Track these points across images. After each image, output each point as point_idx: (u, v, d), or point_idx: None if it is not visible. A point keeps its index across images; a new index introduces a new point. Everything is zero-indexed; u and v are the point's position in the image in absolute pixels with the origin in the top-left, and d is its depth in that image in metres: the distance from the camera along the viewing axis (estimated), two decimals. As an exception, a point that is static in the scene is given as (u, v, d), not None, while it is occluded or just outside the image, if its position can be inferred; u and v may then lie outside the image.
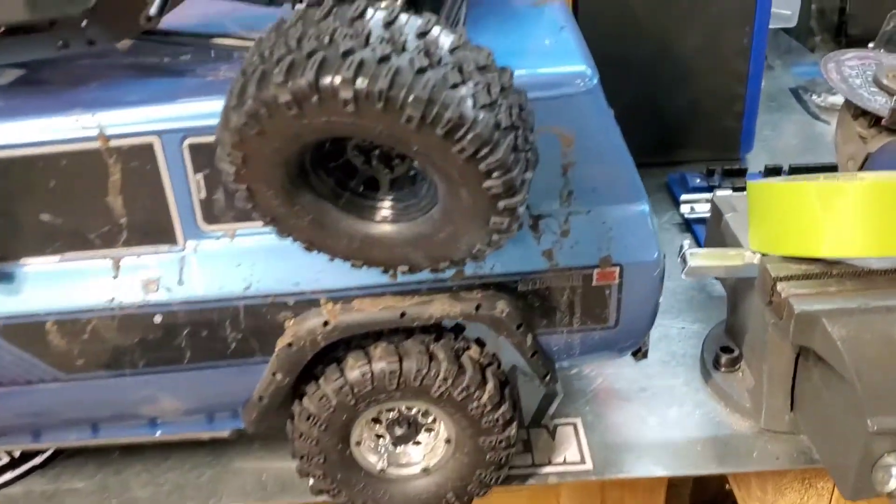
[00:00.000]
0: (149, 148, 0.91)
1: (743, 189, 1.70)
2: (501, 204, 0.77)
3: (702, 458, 1.18)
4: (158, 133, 0.90)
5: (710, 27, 1.72)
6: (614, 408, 1.27)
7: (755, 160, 1.87)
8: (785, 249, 1.07)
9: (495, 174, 0.74)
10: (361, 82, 0.68)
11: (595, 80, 0.92)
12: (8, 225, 0.94)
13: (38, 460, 1.22)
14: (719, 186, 1.73)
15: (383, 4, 0.74)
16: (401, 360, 0.99)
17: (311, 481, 1.09)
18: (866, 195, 1.00)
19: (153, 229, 0.95)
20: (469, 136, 0.71)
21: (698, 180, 1.76)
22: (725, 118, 1.83)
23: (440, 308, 0.97)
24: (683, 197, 1.68)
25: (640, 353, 1.11)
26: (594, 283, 0.99)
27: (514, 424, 1.06)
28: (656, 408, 1.26)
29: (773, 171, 1.76)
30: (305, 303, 0.98)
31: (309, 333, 0.97)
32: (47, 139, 0.90)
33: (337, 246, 0.86)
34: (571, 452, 1.20)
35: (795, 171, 1.72)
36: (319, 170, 0.82)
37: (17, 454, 1.22)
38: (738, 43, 1.73)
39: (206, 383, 1.02)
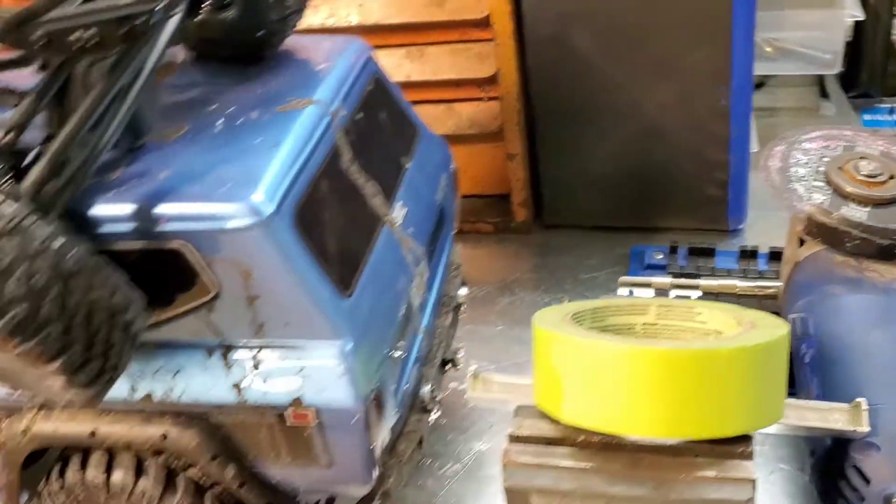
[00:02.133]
0: None
1: (696, 276, 1.49)
2: (39, 368, 0.72)
3: None
4: None
5: (682, 84, 1.51)
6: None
7: (754, 231, 1.64)
8: (537, 399, 0.92)
9: (10, 343, 0.70)
10: None
11: (269, 213, 0.84)
12: None
13: None
14: (681, 269, 1.53)
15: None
16: (108, 472, 0.97)
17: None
18: (621, 364, 0.83)
19: None
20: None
21: (660, 256, 1.57)
22: (708, 185, 1.60)
23: (128, 431, 0.94)
24: (622, 279, 1.49)
25: (382, 492, 1.01)
26: (288, 423, 0.91)
27: (243, 552, 1.00)
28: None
29: (748, 254, 1.53)
30: (15, 406, 0.98)
31: (13, 438, 0.98)
32: None
33: None
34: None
35: (775, 255, 1.48)
36: None
37: None
38: (714, 103, 1.51)
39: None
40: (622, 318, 1.03)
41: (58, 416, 0.97)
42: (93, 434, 0.95)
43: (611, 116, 1.57)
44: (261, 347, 0.90)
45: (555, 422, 0.90)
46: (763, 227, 1.63)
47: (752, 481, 0.81)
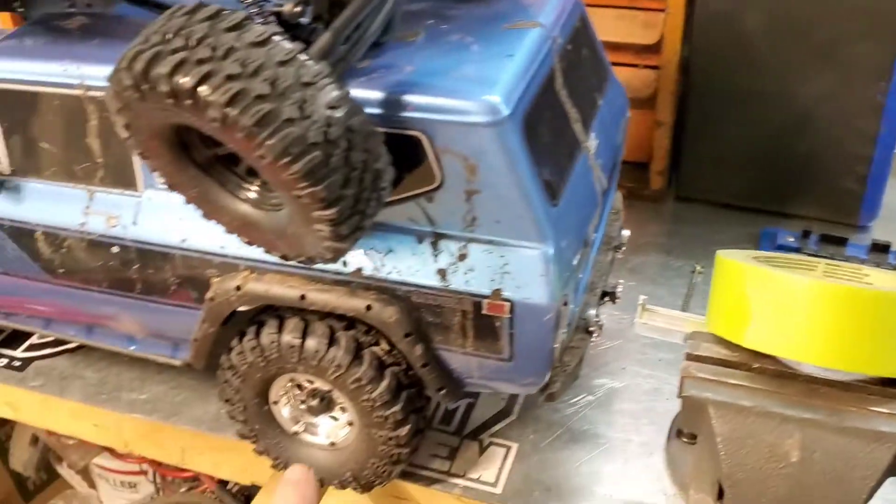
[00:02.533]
0: None
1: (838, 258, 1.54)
2: (315, 214, 0.81)
3: (612, 521, 1.14)
4: None
5: (840, 76, 1.55)
6: (559, 444, 1.25)
7: (882, 230, 1.68)
8: (716, 328, 0.99)
9: (300, 185, 0.78)
10: (176, 79, 0.76)
11: (505, 114, 0.91)
12: (22, 146, 1.13)
13: (71, 345, 1.45)
14: (815, 252, 1.58)
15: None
16: (304, 338, 1.06)
17: (237, 425, 1.21)
18: (810, 297, 0.90)
19: (121, 174, 1.10)
20: (266, 144, 0.76)
21: (791, 239, 1.62)
22: (846, 179, 1.64)
23: (335, 300, 1.03)
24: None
25: (546, 394, 1.09)
26: (483, 311, 0.99)
27: (408, 427, 1.09)
28: (598, 458, 1.22)
29: (880, 248, 1.57)
30: (228, 265, 1.08)
31: (225, 293, 1.08)
32: (46, 80, 1.07)
33: (223, 220, 0.95)
34: (490, 473, 1.21)
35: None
36: (203, 148, 0.90)
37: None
38: (870, 98, 1.55)
39: (155, 315, 1.17)
40: (794, 270, 1.09)
41: (270, 279, 1.06)
42: (302, 297, 1.04)
43: (764, 99, 1.62)
44: (469, 240, 0.98)
45: (732, 347, 0.97)
46: (893, 228, 1.66)
47: (923, 421, 0.87)
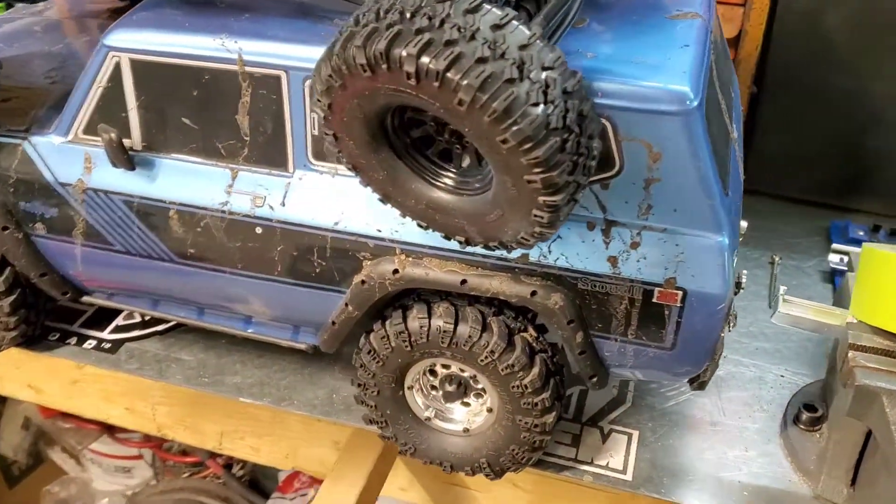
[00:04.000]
0: (277, 80, 1.02)
1: (907, 252, 1.59)
2: (541, 199, 0.81)
3: (744, 504, 1.16)
4: (287, 68, 1.01)
5: (916, 75, 1.60)
6: (677, 432, 1.27)
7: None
8: (875, 319, 1.02)
9: (535, 170, 0.78)
10: (424, 60, 0.74)
11: (694, 104, 0.92)
12: (158, 121, 1.09)
13: (161, 327, 1.42)
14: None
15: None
16: (456, 323, 1.05)
17: (365, 410, 1.19)
18: None
19: (270, 153, 1.07)
20: (514, 129, 0.75)
21: (861, 233, 1.66)
22: (916, 178, 1.69)
23: (498, 285, 1.03)
24: (835, 246, 1.59)
25: (697, 383, 1.10)
26: (654, 300, 1.00)
27: (553, 414, 1.09)
28: (718, 444, 1.24)
29: (951, 243, 1.62)
30: (383, 249, 1.06)
31: (380, 276, 1.06)
32: (197, 54, 1.03)
33: (406, 204, 0.94)
34: (616, 460, 1.22)
35: (977, 247, 1.57)
36: (402, 132, 0.89)
37: (147, 317, 1.42)
38: (944, 97, 1.60)
39: (290, 298, 1.14)
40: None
41: (429, 263, 1.05)
42: (463, 282, 1.03)
43: (839, 97, 1.65)
44: (642, 228, 0.99)
45: (891, 337, 0.99)
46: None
47: None
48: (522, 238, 0.87)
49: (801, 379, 1.34)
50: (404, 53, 0.75)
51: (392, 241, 1.06)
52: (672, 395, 1.33)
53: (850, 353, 0.99)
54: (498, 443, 1.14)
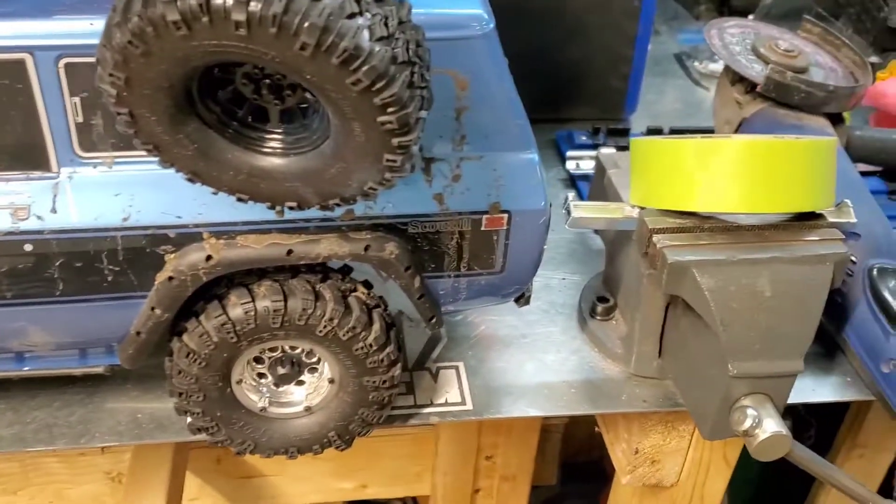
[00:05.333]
0: (20, 65, 0.85)
1: (626, 148, 1.77)
2: (395, 141, 0.77)
3: (575, 400, 1.23)
4: (31, 49, 0.85)
5: (603, -14, 1.75)
6: (495, 353, 1.30)
7: (638, 121, 1.94)
8: (662, 203, 1.11)
9: (390, 109, 0.74)
10: (255, 5, 0.66)
11: (491, 25, 0.93)
12: None
13: None
14: (604, 144, 1.79)
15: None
16: (286, 299, 0.98)
17: (189, 419, 1.07)
18: (740, 153, 1.05)
19: (24, 154, 0.90)
20: (365, 68, 0.70)
21: (584, 138, 1.81)
22: (613, 78, 1.87)
23: (328, 247, 0.97)
24: (569, 153, 1.72)
25: (522, 299, 1.14)
26: (482, 228, 1.01)
27: (399, 365, 1.07)
28: (535, 353, 1.30)
29: (654, 132, 1.83)
30: (187, 236, 0.95)
31: (191, 268, 0.95)
32: None
33: (222, 178, 0.84)
34: (453, 394, 1.23)
35: (675, 132, 1.79)
36: (206, 97, 0.79)
37: None
38: (629, 4, 1.77)
39: (81, 317, 0.99)
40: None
41: (245, 241, 0.96)
42: (289, 253, 0.96)
43: (536, 14, 1.77)
44: (460, 159, 0.98)
45: (678, 215, 1.10)
46: (645, 117, 1.94)
47: (841, 240, 1.09)
48: (370, 188, 0.83)
49: (580, 278, 1.45)
50: (230, 1, 0.66)
51: (197, 225, 0.95)
52: (477, 321, 1.36)
53: (655, 237, 1.08)
54: (345, 411, 1.09)
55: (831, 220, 1.11)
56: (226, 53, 0.71)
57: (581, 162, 1.73)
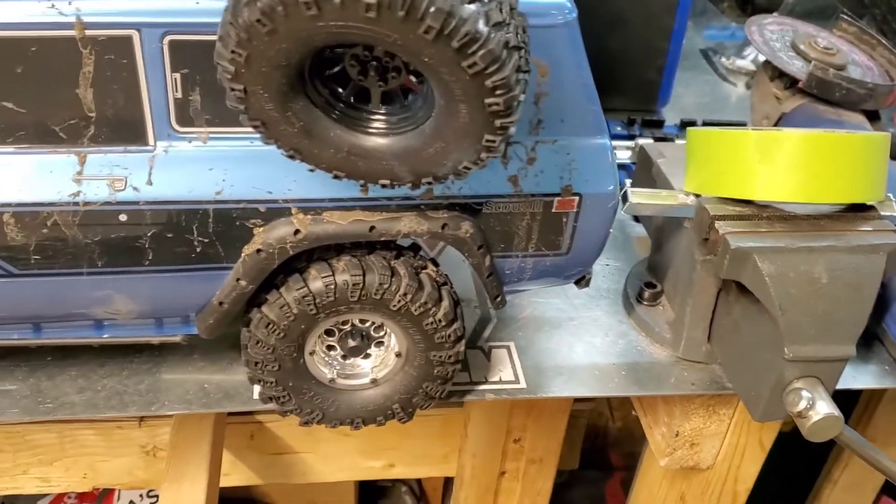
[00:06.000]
0: (128, 41, 0.88)
1: (662, 139, 1.81)
2: (499, 122, 0.80)
3: (625, 382, 1.27)
4: (139, 26, 0.88)
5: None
6: (544, 335, 1.34)
7: (668, 114, 1.98)
8: (722, 191, 1.15)
9: (499, 92, 0.77)
10: None
11: (574, 14, 0.96)
12: (-34, 109, 0.89)
13: (-38, 361, 1.18)
14: (640, 135, 1.83)
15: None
16: (364, 274, 1.01)
17: (260, 388, 1.11)
18: (799, 146, 1.09)
19: (124, 128, 0.93)
20: (481, 52, 0.74)
21: (619, 128, 1.85)
22: (649, 71, 1.91)
23: (408, 225, 1.00)
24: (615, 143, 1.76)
25: (583, 282, 1.18)
26: (553, 210, 1.04)
27: (463, 341, 1.11)
28: (583, 336, 1.34)
29: (688, 125, 1.87)
30: (276, 211, 0.98)
31: (279, 241, 0.98)
32: (18, 22, 0.86)
33: (322, 155, 0.87)
34: (506, 373, 1.27)
35: (708, 125, 1.83)
36: (315, 77, 0.83)
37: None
38: (667, -3, 1.81)
39: (166, 286, 1.02)
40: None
41: (331, 216, 0.99)
42: (372, 229, 0.99)
43: (578, 8, 1.80)
44: (536, 143, 1.02)
45: (736, 203, 1.14)
46: (678, 110, 1.98)
47: (893, 231, 1.13)
48: (464, 167, 0.86)
49: (623, 265, 1.49)
50: None
51: (286, 200, 0.98)
52: (523, 303, 1.40)
53: (717, 224, 1.12)
54: (410, 384, 1.13)
55: (883, 212, 1.15)
56: (348, 35, 0.74)
57: (618, 152, 1.76)
